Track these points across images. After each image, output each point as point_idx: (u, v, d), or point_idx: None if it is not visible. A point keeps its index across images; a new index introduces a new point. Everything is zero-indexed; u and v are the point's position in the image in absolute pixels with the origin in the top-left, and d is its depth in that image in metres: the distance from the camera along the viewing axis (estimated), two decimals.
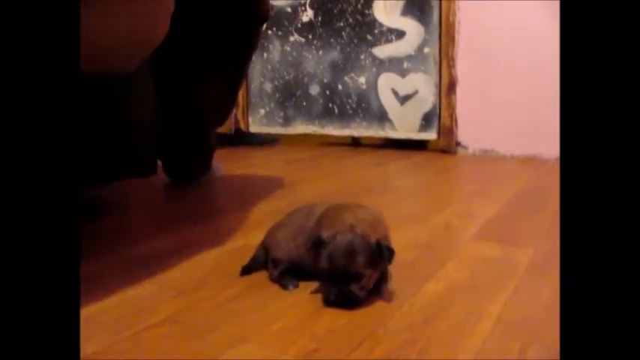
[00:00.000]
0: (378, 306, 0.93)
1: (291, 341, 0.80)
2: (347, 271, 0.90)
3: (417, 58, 2.80)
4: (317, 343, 0.80)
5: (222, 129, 2.96)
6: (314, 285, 0.98)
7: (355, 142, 3.04)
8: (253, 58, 3.20)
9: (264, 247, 1.10)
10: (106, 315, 0.91)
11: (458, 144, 2.73)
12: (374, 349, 0.78)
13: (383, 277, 0.97)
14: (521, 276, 1.05)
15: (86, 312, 0.91)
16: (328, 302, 0.92)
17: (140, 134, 1.61)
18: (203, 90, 1.88)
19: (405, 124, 2.87)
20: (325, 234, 0.93)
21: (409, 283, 1.02)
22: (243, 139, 3.19)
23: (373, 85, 2.93)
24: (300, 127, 3.16)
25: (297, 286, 1.00)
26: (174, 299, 0.97)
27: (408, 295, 0.96)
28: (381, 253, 0.91)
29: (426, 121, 2.81)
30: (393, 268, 1.09)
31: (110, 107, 1.45)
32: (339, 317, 0.88)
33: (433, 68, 2.76)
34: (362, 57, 2.95)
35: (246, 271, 1.08)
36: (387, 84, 2.90)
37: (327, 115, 3.08)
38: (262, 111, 3.27)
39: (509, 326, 0.85)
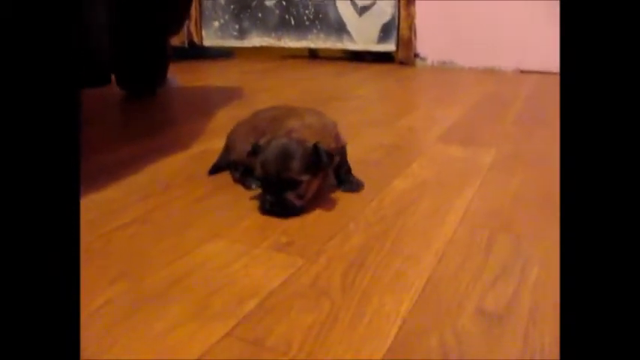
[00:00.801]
0: (346, 202, 0.93)
1: (262, 236, 0.80)
2: (280, 177, 0.85)
3: None
4: (289, 237, 0.80)
5: (175, 42, 2.86)
6: None
7: (313, 55, 2.98)
8: None
9: (226, 148, 1.09)
10: None
11: (416, 55, 2.71)
12: (347, 240, 0.78)
13: (346, 169, 0.97)
14: (486, 173, 1.07)
15: None
16: (264, 211, 0.88)
17: (93, 39, 1.54)
18: None
19: (363, 36, 2.82)
20: (263, 140, 0.89)
21: (377, 180, 1.03)
22: (196, 52, 3.09)
23: None
24: (255, 40, 3.08)
25: (259, 186, 0.99)
26: (142, 201, 0.95)
27: (377, 192, 0.97)
28: (319, 158, 0.86)
29: (385, 32, 2.77)
30: (359, 167, 1.09)
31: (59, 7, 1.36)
32: (307, 214, 0.88)
33: None
34: None
35: (214, 170, 1.07)
36: None
37: (283, 26, 3.00)
38: (216, 23, 3.16)
39: (477, 217, 0.86)
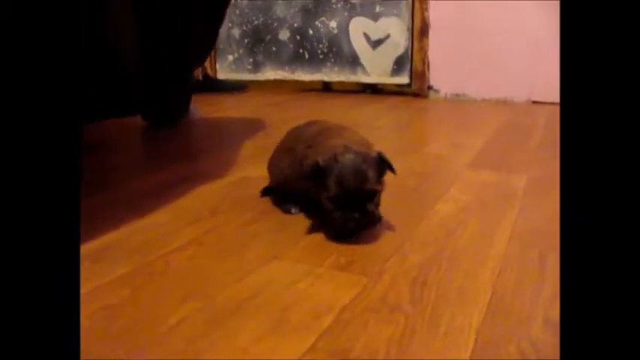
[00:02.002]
0: (396, 224, 0.96)
1: (322, 257, 0.83)
2: (361, 190, 0.85)
3: (389, 2, 2.80)
4: (347, 258, 0.82)
5: None
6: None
7: (326, 88, 3.04)
8: None
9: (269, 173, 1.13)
10: (129, 240, 0.91)
11: (430, 88, 2.76)
12: (406, 259, 0.81)
13: None
14: (523, 197, 1.10)
15: (107, 239, 0.91)
16: (347, 231, 0.88)
17: (128, 70, 1.58)
18: (186, 27, 1.84)
19: (377, 69, 2.88)
20: (321, 159, 0.88)
21: (419, 205, 1.06)
22: (211, 85, 3.14)
23: (344, 30, 2.92)
24: (269, 73, 3.14)
25: (299, 210, 1.02)
26: (192, 225, 0.98)
27: (422, 216, 1.00)
28: (383, 166, 0.90)
29: (398, 65, 2.83)
30: (399, 193, 1.12)
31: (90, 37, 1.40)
32: (357, 239, 0.90)
33: (405, 12, 2.77)
34: (333, 0, 2.93)
35: (265, 192, 1.12)
36: (358, 28, 2.89)
37: (297, 60, 3.06)
38: (230, 57, 3.23)
39: (525, 237, 0.89)
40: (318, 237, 0.91)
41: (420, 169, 1.32)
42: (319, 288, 0.74)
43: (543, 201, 1.07)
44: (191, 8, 1.78)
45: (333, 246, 0.87)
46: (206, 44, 1.96)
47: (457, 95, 2.71)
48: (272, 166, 1.11)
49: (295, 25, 3.04)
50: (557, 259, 0.81)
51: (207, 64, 3.22)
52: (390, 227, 0.94)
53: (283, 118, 2.14)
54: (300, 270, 0.79)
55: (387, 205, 1.05)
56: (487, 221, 0.97)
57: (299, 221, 0.98)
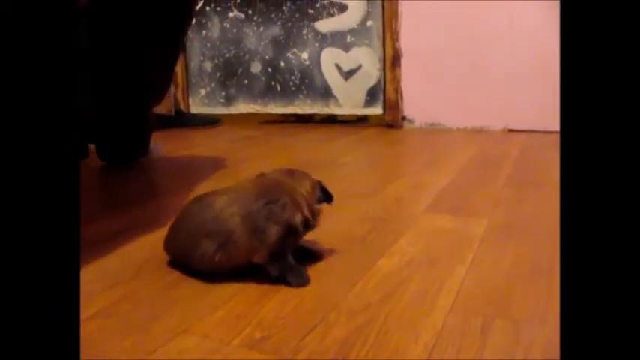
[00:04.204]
0: (328, 285, 0.86)
1: (235, 330, 0.73)
2: None
3: (360, 32, 2.73)
4: (264, 331, 0.73)
5: (162, 110, 2.84)
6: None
7: (299, 119, 2.96)
8: (191, 35, 3.10)
9: None
10: None
11: (404, 118, 2.69)
12: (327, 333, 0.71)
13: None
14: (478, 247, 1.01)
15: None
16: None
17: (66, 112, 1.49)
18: (139, 64, 1.76)
19: (349, 100, 2.81)
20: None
21: (361, 259, 0.97)
22: (184, 120, 3.06)
23: (316, 61, 2.86)
24: (242, 106, 3.07)
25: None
26: (109, 290, 0.88)
27: (361, 273, 0.90)
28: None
29: (371, 95, 2.75)
30: (343, 245, 1.03)
31: None
32: (286, 302, 0.81)
33: (377, 42, 2.70)
34: (304, 32, 2.86)
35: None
36: (330, 59, 2.83)
37: (269, 92, 2.99)
38: (203, 91, 3.15)
39: (470, 301, 0.80)
40: (242, 304, 0.81)
41: (373, 215, 1.23)
42: None
43: (499, 252, 0.98)
44: (142, 49, 1.70)
45: (254, 313, 0.78)
46: (161, 83, 1.88)
47: (432, 125, 2.63)
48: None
49: (267, 57, 2.97)
50: (502, 327, 0.71)
51: (179, 98, 3.15)
52: (322, 291, 0.85)
53: (247, 155, 2.05)
54: (207, 347, 0.69)
55: (328, 261, 0.96)
56: (431, 280, 0.87)
57: (228, 284, 0.88)
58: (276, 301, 0.82)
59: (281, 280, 0.86)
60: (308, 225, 0.91)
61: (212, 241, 0.87)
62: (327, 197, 0.96)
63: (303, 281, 0.86)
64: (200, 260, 0.88)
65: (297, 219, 0.88)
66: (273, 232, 0.86)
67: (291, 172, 0.96)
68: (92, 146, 1.94)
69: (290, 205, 0.88)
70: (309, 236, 1.01)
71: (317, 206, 0.94)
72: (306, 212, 0.90)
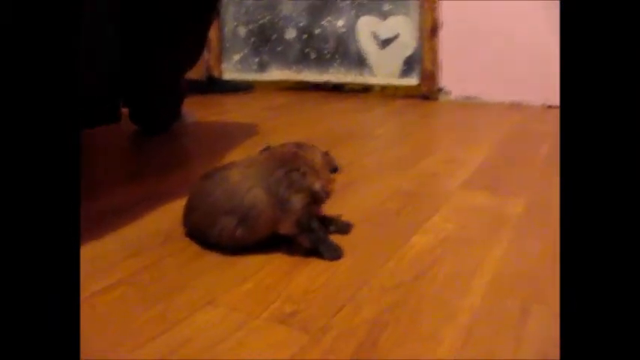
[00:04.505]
0: (360, 261, 0.84)
1: (264, 303, 0.71)
2: None
3: (398, 0, 2.66)
4: (293, 306, 0.70)
5: (195, 75, 2.81)
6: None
7: (333, 88, 2.91)
8: (226, 0, 3.05)
9: None
10: None
11: (440, 90, 2.62)
12: (358, 312, 0.69)
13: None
14: (515, 227, 0.97)
15: None
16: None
17: (102, 77, 1.48)
18: (173, 29, 1.73)
19: (385, 70, 2.75)
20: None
21: (394, 235, 0.93)
22: (216, 85, 3.04)
23: (352, 29, 2.79)
24: (275, 73, 3.03)
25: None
26: (133, 257, 0.87)
27: (394, 249, 0.87)
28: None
29: (407, 66, 2.69)
30: (376, 218, 1.00)
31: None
32: (317, 275, 0.79)
33: (415, 10, 2.63)
34: None
35: None
36: (366, 27, 2.76)
37: (303, 60, 2.94)
38: (236, 56, 3.12)
39: (508, 282, 0.76)
40: (271, 276, 0.79)
41: (406, 189, 1.19)
42: (249, 346, 0.62)
43: (538, 233, 0.94)
44: (176, 10, 1.67)
45: (283, 286, 0.75)
46: (194, 49, 1.85)
47: (468, 98, 2.56)
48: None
49: (301, 24, 2.91)
50: (541, 315, 0.68)
51: (212, 64, 3.12)
52: (353, 265, 0.82)
53: (281, 124, 2.02)
54: (234, 320, 0.67)
55: (360, 234, 0.93)
56: (467, 259, 0.83)
57: (256, 254, 0.86)
58: (306, 274, 0.79)
59: (314, 252, 0.84)
60: (321, 197, 0.88)
61: (231, 217, 0.84)
62: (334, 168, 0.93)
63: (337, 254, 0.84)
64: (219, 237, 0.86)
65: (318, 186, 0.85)
66: (297, 200, 0.83)
67: (299, 145, 0.93)
68: (125, 111, 1.93)
69: (310, 173, 0.85)
70: (339, 209, 0.99)
71: (331, 175, 0.91)
72: (324, 180, 0.87)
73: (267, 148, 0.93)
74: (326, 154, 0.92)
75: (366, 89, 2.82)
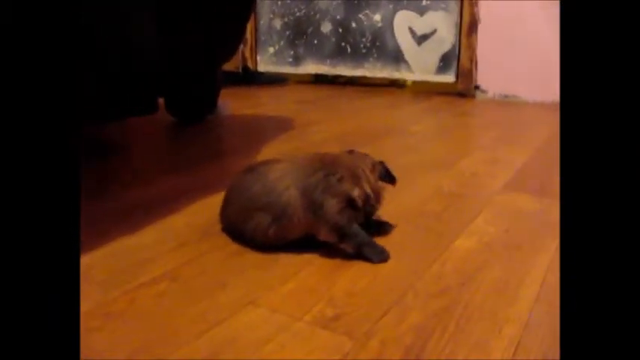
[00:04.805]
0: (404, 264, 0.82)
1: (306, 306, 0.70)
2: None
3: None
4: (336, 309, 0.69)
5: (230, 67, 2.81)
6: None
7: (369, 83, 2.89)
8: None
9: None
10: (97, 269, 0.80)
11: (477, 87, 2.58)
12: (404, 317, 0.67)
13: None
14: None
15: None
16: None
17: (138, 66, 1.48)
18: (210, 21, 1.72)
19: (421, 66, 2.71)
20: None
21: (437, 237, 0.91)
22: (251, 78, 3.04)
23: (389, 23, 2.76)
24: (310, 67, 3.01)
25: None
26: (175, 251, 0.86)
27: (438, 253, 0.85)
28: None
29: (444, 62, 2.65)
30: (418, 220, 0.98)
31: (104, 33, 1.31)
32: (359, 277, 0.77)
33: (454, 6, 2.59)
34: None
35: None
36: (403, 22, 2.73)
37: (339, 54, 2.92)
38: (271, 49, 3.11)
39: (556, 292, 0.74)
40: (313, 277, 0.78)
41: (448, 190, 1.17)
42: (292, 350, 0.60)
43: None
44: (214, 5, 1.66)
45: (325, 289, 0.74)
46: (232, 41, 1.84)
47: (506, 96, 2.52)
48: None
49: (338, 17, 2.89)
50: None
51: (247, 56, 3.12)
52: (397, 268, 0.80)
53: (315, 119, 2.01)
54: (276, 322, 0.66)
55: (401, 236, 0.91)
56: (514, 266, 0.81)
57: (299, 253, 0.84)
58: (349, 276, 0.78)
59: (358, 255, 0.82)
60: (369, 201, 0.86)
61: (266, 215, 0.83)
62: (389, 178, 0.90)
63: (383, 256, 0.82)
64: (253, 234, 0.85)
65: (356, 192, 0.83)
66: (331, 205, 0.81)
67: (351, 151, 0.91)
68: (162, 101, 1.94)
69: (348, 179, 0.83)
70: (380, 209, 0.97)
71: (379, 183, 0.89)
72: (367, 188, 0.85)
73: (318, 153, 0.91)
74: (379, 163, 0.90)
75: (401, 85, 2.79)
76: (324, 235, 0.83)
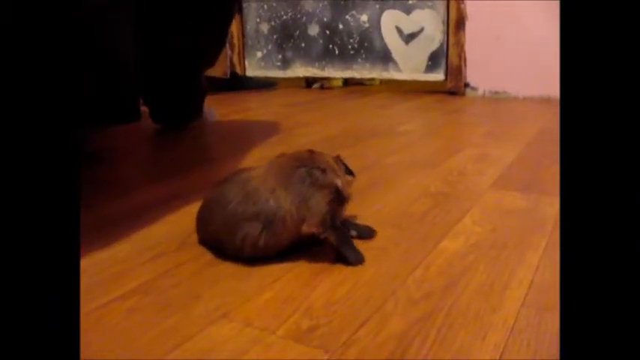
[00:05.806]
0: (386, 268, 0.79)
1: (281, 318, 0.66)
2: None
3: None
4: (312, 320, 0.66)
5: (218, 73, 2.79)
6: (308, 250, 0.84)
7: (357, 84, 2.86)
8: None
9: None
10: None
11: (466, 85, 2.55)
12: (383, 326, 0.64)
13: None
14: (552, 230, 0.91)
15: None
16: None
17: (120, 75, 1.45)
18: (192, 26, 1.69)
19: (410, 65, 2.69)
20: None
21: (421, 239, 0.88)
22: (239, 83, 3.01)
23: (376, 24, 2.74)
24: (299, 70, 2.98)
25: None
26: (149, 263, 0.83)
27: (422, 255, 0.82)
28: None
29: (433, 60, 2.63)
30: (402, 221, 0.95)
31: (83, 40, 1.27)
32: (339, 284, 0.74)
33: (440, 4, 2.56)
34: None
35: None
36: (390, 21, 2.70)
37: (327, 56, 2.89)
38: (259, 53, 3.08)
39: (545, 294, 0.70)
40: (290, 286, 0.74)
41: (435, 189, 1.14)
42: None
43: None
44: (193, 8, 1.63)
45: (302, 298, 0.71)
46: (214, 45, 1.81)
47: (496, 93, 2.49)
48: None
49: (325, 19, 2.87)
50: None
51: (235, 61, 3.09)
52: (378, 274, 0.77)
53: (303, 121, 1.98)
54: (248, 337, 0.63)
55: (384, 240, 0.88)
56: (500, 268, 0.78)
57: (276, 262, 0.81)
58: (328, 284, 0.74)
59: (339, 254, 0.79)
60: (344, 195, 0.83)
61: (255, 223, 0.79)
62: (349, 172, 0.89)
63: (359, 258, 0.79)
64: (241, 245, 0.81)
65: (339, 182, 0.81)
66: (321, 197, 0.79)
67: (311, 151, 0.88)
68: (145, 109, 1.90)
69: (330, 171, 0.81)
70: (361, 212, 0.94)
71: (347, 177, 0.87)
72: (343, 179, 0.83)
73: (283, 154, 0.89)
74: (337, 158, 0.88)
75: (390, 85, 2.76)
76: (311, 226, 0.79)
